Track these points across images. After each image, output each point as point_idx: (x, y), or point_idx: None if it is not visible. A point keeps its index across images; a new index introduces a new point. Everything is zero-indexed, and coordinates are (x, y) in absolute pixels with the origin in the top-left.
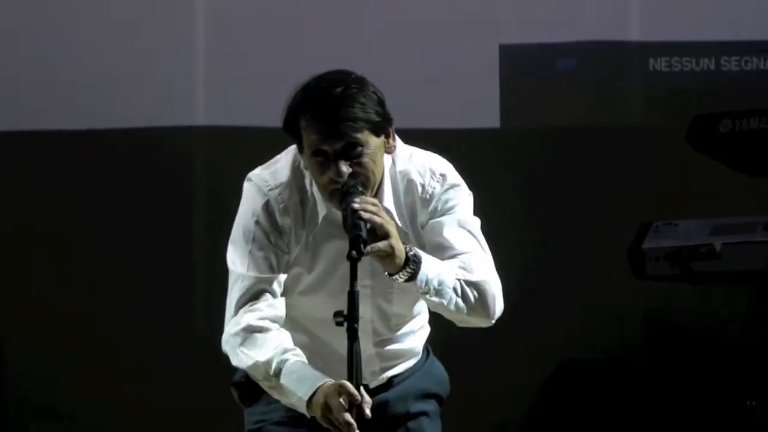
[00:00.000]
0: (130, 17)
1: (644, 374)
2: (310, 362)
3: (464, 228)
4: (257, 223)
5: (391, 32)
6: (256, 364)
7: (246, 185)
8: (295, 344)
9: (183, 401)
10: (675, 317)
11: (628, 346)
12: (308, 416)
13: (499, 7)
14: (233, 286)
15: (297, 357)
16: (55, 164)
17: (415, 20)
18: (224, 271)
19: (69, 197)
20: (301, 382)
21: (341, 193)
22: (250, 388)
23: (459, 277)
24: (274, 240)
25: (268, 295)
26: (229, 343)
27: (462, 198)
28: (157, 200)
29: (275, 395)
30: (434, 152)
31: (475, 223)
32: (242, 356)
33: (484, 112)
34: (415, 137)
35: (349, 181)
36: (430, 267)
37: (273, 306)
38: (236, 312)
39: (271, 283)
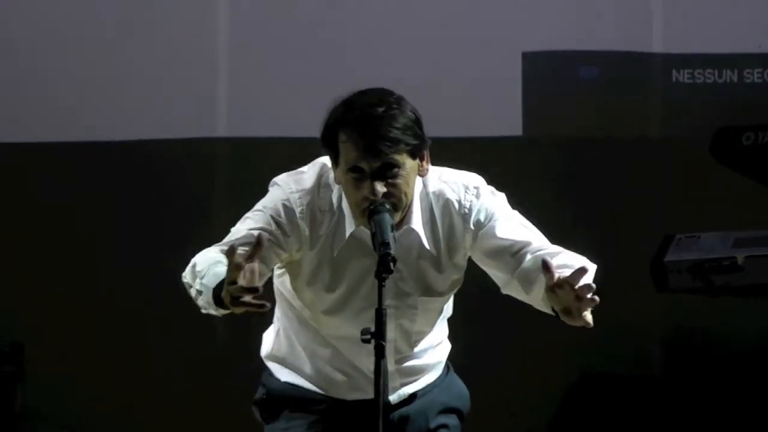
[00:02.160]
0: (152, 29)
1: (665, 387)
2: (331, 375)
3: (513, 221)
4: (271, 207)
5: (413, 41)
6: (193, 266)
7: (270, 188)
8: (317, 360)
9: (204, 411)
10: (696, 330)
11: (648, 358)
12: (219, 315)
13: (522, 15)
14: (227, 237)
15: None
16: (78, 174)
17: (437, 28)
18: None
19: (91, 206)
20: (216, 277)
21: (369, 211)
22: (270, 405)
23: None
24: (283, 230)
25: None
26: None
27: (499, 202)
28: (179, 211)
29: (200, 303)
30: (456, 160)
31: (518, 215)
32: (191, 264)
33: (507, 119)
34: (438, 146)
35: (377, 199)
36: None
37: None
38: (223, 244)
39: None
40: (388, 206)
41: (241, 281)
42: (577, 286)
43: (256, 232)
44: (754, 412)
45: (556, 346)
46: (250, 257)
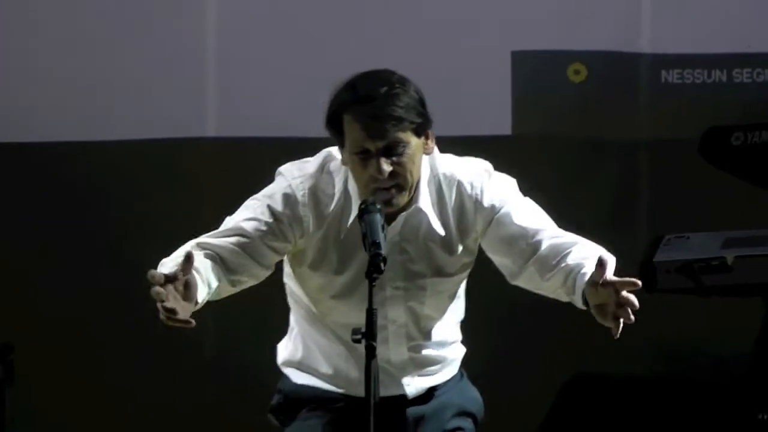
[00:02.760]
0: (140, 28)
1: (655, 387)
2: (347, 372)
3: (527, 206)
4: (270, 197)
5: (402, 39)
6: (161, 265)
7: (276, 177)
8: (332, 358)
9: (194, 418)
10: (686, 330)
11: (640, 359)
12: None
13: (512, 14)
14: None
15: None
16: (67, 175)
17: (427, 26)
18: None
19: (80, 207)
20: None
21: (360, 211)
22: (287, 407)
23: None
24: (280, 220)
25: (239, 255)
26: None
27: (511, 186)
28: (168, 212)
29: None
30: None
31: (530, 201)
32: (161, 263)
33: (496, 118)
34: None
35: (368, 199)
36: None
37: (231, 262)
38: (209, 234)
39: (245, 247)
40: (378, 206)
41: (169, 302)
42: (622, 294)
43: (244, 224)
44: (744, 412)
45: (547, 346)
46: (182, 271)
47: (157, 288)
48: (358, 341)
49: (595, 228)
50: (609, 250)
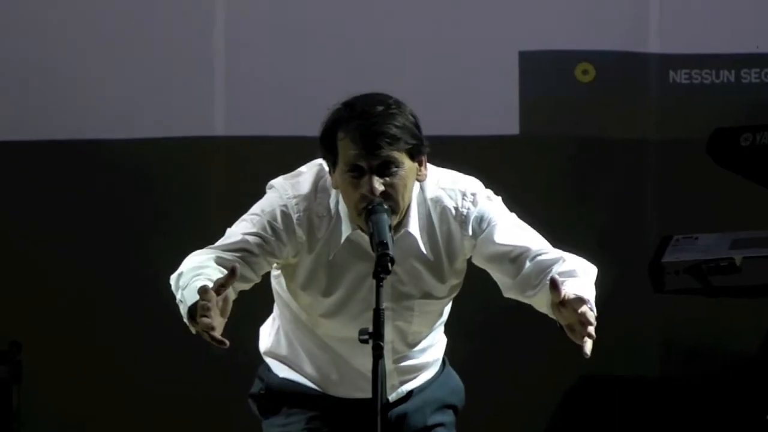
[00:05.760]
0: (150, 28)
1: (662, 389)
2: (330, 375)
3: (511, 225)
4: (269, 212)
5: (410, 40)
6: (179, 274)
7: (268, 191)
8: (316, 359)
9: (196, 417)
10: (694, 331)
11: (647, 360)
12: (192, 331)
13: (520, 14)
14: (221, 239)
15: (207, 278)
16: (76, 173)
17: (434, 27)
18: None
19: (88, 205)
20: (195, 293)
21: (367, 212)
22: (269, 400)
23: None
24: (279, 237)
25: (245, 268)
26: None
27: (496, 206)
28: (176, 210)
29: (181, 311)
30: (453, 159)
31: (515, 217)
32: (178, 270)
33: (504, 118)
34: (435, 144)
35: (375, 200)
36: (591, 297)
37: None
38: (215, 247)
39: (249, 260)
40: (386, 206)
41: (211, 318)
42: (579, 311)
43: (249, 238)
44: (752, 414)
45: (554, 347)
46: (222, 285)
47: (206, 303)
48: (365, 341)
49: (602, 228)
50: (618, 250)
